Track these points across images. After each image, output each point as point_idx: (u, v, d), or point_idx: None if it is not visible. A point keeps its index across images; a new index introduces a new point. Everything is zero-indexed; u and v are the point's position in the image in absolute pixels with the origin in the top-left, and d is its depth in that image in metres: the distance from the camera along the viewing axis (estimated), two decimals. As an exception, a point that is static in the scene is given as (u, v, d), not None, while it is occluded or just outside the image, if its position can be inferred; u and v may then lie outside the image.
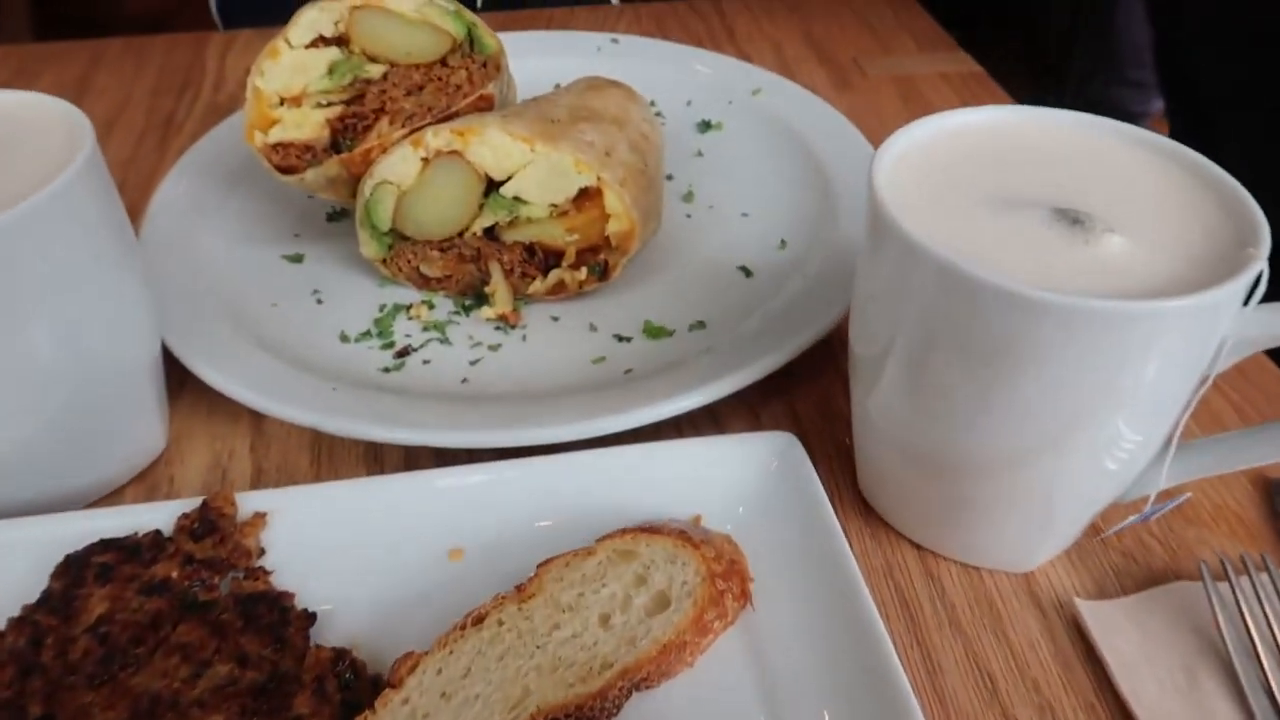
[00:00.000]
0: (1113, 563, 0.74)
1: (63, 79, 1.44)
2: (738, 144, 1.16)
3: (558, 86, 1.08)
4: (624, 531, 0.68)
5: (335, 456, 0.83)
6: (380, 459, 0.83)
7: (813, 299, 0.88)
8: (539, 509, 0.73)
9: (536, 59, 1.20)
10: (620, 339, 0.90)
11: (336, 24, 0.93)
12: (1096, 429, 0.61)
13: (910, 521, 0.75)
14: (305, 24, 0.92)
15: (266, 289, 0.95)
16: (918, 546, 0.75)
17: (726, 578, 0.66)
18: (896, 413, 0.69)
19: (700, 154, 1.15)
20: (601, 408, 0.78)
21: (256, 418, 0.86)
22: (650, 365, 0.86)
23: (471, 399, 0.83)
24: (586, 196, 0.89)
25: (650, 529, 0.68)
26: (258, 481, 0.82)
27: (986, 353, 0.59)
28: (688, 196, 1.08)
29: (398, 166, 0.88)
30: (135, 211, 0.89)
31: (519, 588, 0.65)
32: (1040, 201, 0.62)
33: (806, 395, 0.87)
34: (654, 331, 0.90)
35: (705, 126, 1.19)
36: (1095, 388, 0.58)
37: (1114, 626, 0.68)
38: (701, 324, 0.90)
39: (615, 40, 1.31)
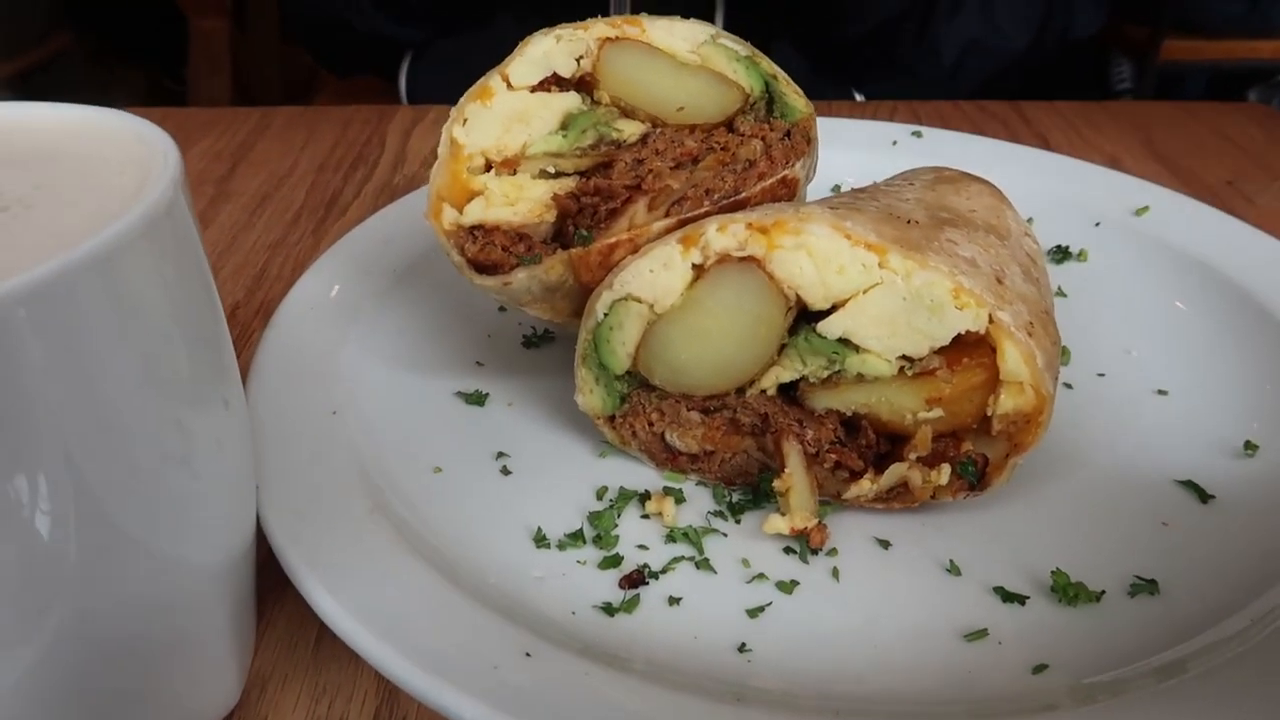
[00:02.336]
0: None
1: (218, 146, 1.21)
2: (1118, 282, 0.79)
3: (841, 189, 0.74)
4: None
5: (510, 761, 0.47)
6: (586, 779, 0.47)
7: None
8: None
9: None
10: (1007, 598, 0.52)
11: (579, 60, 0.62)
12: None
13: None
14: (535, 57, 0.62)
15: (430, 442, 0.62)
16: None
17: None
18: None
19: (1062, 293, 0.78)
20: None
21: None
22: (1072, 660, 0.48)
23: (759, 699, 0.46)
24: (963, 348, 0.53)
25: None
26: (376, 796, 0.46)
27: None
28: (1062, 356, 0.70)
29: (655, 276, 0.55)
30: (266, 311, 0.59)
31: None
32: None
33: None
34: (1069, 593, 0.51)
35: (1062, 255, 0.83)
36: None
37: None
38: (1150, 586, 0.52)
39: (918, 134, 0.97)
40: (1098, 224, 0.85)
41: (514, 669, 0.44)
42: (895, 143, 0.97)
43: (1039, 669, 0.48)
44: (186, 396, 0.42)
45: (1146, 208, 0.84)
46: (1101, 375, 0.69)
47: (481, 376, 0.70)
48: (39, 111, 0.46)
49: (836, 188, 0.92)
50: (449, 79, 1.61)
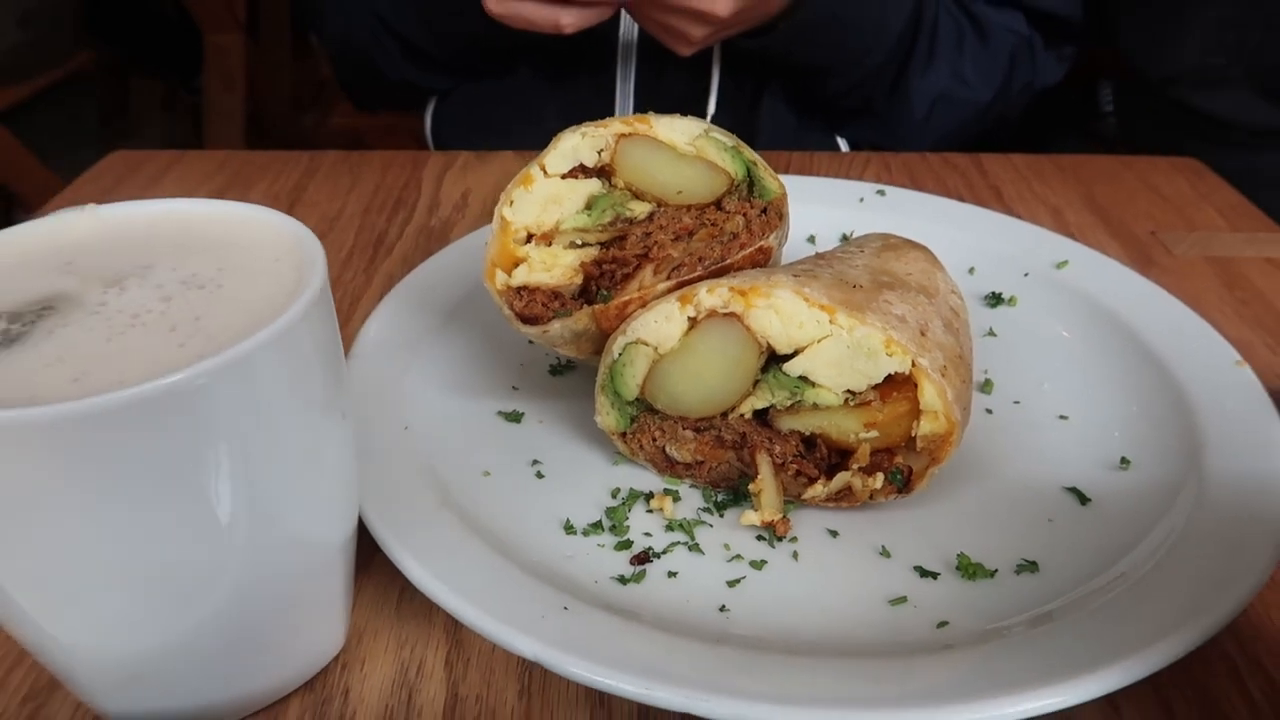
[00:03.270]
0: None
1: (276, 188, 1.37)
2: (1039, 325, 0.96)
3: (815, 239, 0.91)
4: None
5: (549, 690, 0.64)
6: (607, 703, 0.63)
7: (1195, 568, 0.65)
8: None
9: (791, 206, 1.04)
10: (924, 574, 0.69)
11: (600, 153, 0.79)
12: None
13: None
14: (565, 150, 0.78)
15: (480, 452, 0.79)
16: None
17: None
18: None
19: (992, 333, 0.95)
20: (928, 688, 0.57)
21: (454, 621, 0.68)
22: (970, 621, 0.65)
23: (736, 642, 0.62)
24: (893, 385, 0.70)
25: None
26: (451, 713, 0.63)
27: None
28: (985, 386, 0.87)
29: (659, 326, 0.72)
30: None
31: None
32: None
33: (1186, 692, 0.63)
34: (970, 570, 0.68)
35: (995, 300, 1.00)
36: None
37: None
38: (1032, 566, 0.69)
39: (881, 192, 1.14)
40: (1026, 274, 1.01)
41: (556, 618, 0.61)
42: (862, 200, 1.13)
43: (942, 624, 0.64)
44: (321, 412, 0.58)
45: (1066, 261, 1.01)
46: (1017, 403, 0.86)
47: (517, 399, 0.86)
48: (213, 206, 0.62)
49: (811, 238, 1.09)
50: (471, 121, 1.78)
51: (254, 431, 0.53)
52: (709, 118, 1.61)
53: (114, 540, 0.51)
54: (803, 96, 1.62)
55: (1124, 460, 0.78)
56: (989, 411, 0.85)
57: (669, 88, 1.62)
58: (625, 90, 1.64)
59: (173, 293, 0.56)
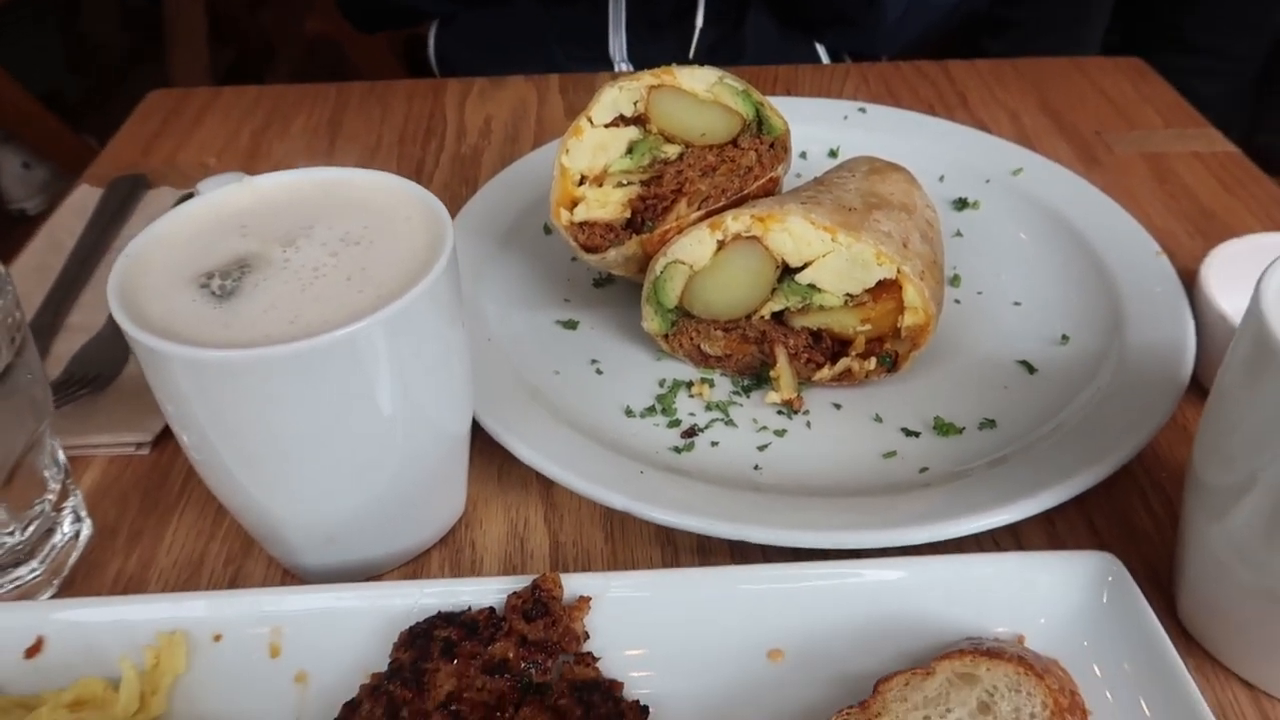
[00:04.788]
0: None
1: (314, 122, 1.51)
2: (998, 225, 1.14)
3: (806, 155, 1.08)
4: (962, 653, 0.67)
5: (629, 534, 0.85)
6: (673, 541, 0.84)
7: (1114, 416, 0.85)
8: (858, 615, 0.72)
9: (786, 127, 1.21)
10: (908, 433, 0.89)
11: (635, 104, 0.95)
12: None
13: (1244, 658, 0.72)
14: (607, 103, 0.94)
15: (547, 356, 0.97)
16: (1248, 685, 0.72)
17: (1071, 711, 0.65)
18: (1249, 544, 0.66)
19: (959, 234, 1.13)
20: (913, 514, 0.77)
21: (546, 488, 0.88)
22: (944, 465, 0.85)
23: (768, 490, 0.83)
24: (883, 288, 0.89)
25: (990, 652, 0.67)
26: (556, 554, 0.83)
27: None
28: (954, 280, 1.06)
29: (693, 248, 0.90)
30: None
31: (862, 705, 0.65)
32: None
33: (1103, 505, 0.85)
34: (944, 428, 0.89)
35: (961, 204, 1.18)
36: None
37: None
38: (991, 423, 0.89)
39: (863, 110, 1.31)
40: (988, 181, 1.19)
41: (635, 479, 0.81)
42: (846, 117, 1.30)
43: (923, 470, 0.85)
44: (452, 334, 0.76)
45: (1021, 169, 1.19)
46: (980, 293, 1.05)
47: (570, 309, 1.04)
48: (349, 174, 0.78)
49: (803, 154, 1.25)
50: (474, 48, 1.90)
51: (411, 353, 0.71)
52: (696, 32, 1.75)
53: (318, 436, 0.70)
54: (784, 8, 1.76)
55: (1064, 337, 0.98)
56: (957, 302, 1.04)
57: (659, 3, 1.75)
58: (618, 6, 1.76)
59: (336, 249, 0.73)
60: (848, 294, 0.89)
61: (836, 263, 0.88)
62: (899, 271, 0.87)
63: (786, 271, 0.90)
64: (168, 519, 0.88)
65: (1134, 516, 0.84)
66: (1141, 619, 0.69)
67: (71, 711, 0.64)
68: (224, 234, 0.75)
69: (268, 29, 3.85)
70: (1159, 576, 0.78)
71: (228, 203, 0.78)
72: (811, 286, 0.89)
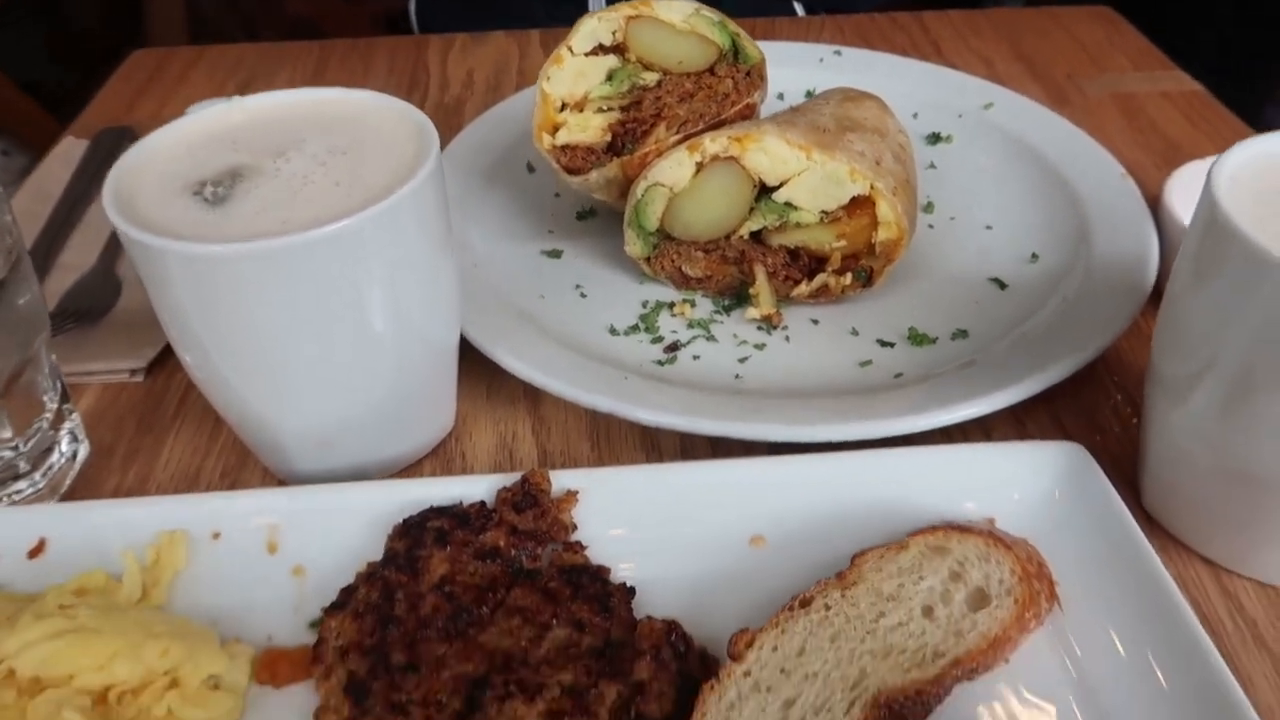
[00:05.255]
0: None
1: (297, 77, 1.53)
2: (970, 157, 1.17)
3: (783, 96, 1.11)
4: (934, 528, 0.70)
5: (614, 442, 0.87)
6: (657, 447, 0.87)
7: (1079, 321, 0.88)
8: (836, 503, 0.75)
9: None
10: (883, 344, 0.92)
11: (614, 34, 0.97)
12: None
13: (1205, 537, 0.75)
14: (586, 33, 0.97)
15: (533, 282, 1.00)
16: (1209, 563, 0.75)
17: (1038, 579, 0.68)
18: (1207, 427, 0.69)
19: (933, 166, 1.16)
20: (887, 409, 0.80)
21: (534, 403, 0.91)
22: (918, 371, 0.88)
23: (749, 395, 0.86)
24: (857, 204, 0.91)
25: (961, 528, 0.70)
26: (544, 463, 0.86)
27: (1339, 369, 0.59)
28: (928, 208, 1.09)
29: (672, 170, 0.92)
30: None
31: (839, 575, 0.68)
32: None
33: (1070, 405, 0.88)
34: (918, 339, 0.91)
35: (935, 139, 1.21)
36: None
37: None
38: (964, 333, 0.92)
39: (838, 52, 1.33)
40: (960, 115, 1.22)
41: (620, 384, 0.83)
42: (821, 60, 1.32)
43: (897, 375, 0.88)
44: (439, 246, 0.78)
45: (992, 103, 1.22)
46: (953, 219, 1.08)
47: (554, 240, 1.07)
48: (337, 93, 0.80)
49: (780, 95, 1.28)
50: (455, 13, 1.91)
51: (399, 254, 0.73)
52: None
53: (310, 336, 0.72)
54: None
55: (1034, 255, 1.01)
56: (931, 226, 1.07)
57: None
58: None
59: (325, 159, 0.75)
60: (823, 211, 0.92)
61: (812, 180, 0.90)
62: (872, 187, 0.90)
63: (763, 191, 0.93)
64: (163, 438, 0.90)
65: (1100, 416, 0.87)
66: (1107, 501, 0.72)
67: (76, 597, 0.66)
68: (216, 147, 0.77)
69: (249, 12, 3.85)
70: (1124, 470, 0.81)
71: (219, 119, 0.80)
72: (788, 204, 0.92)
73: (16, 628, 0.61)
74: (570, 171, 0.95)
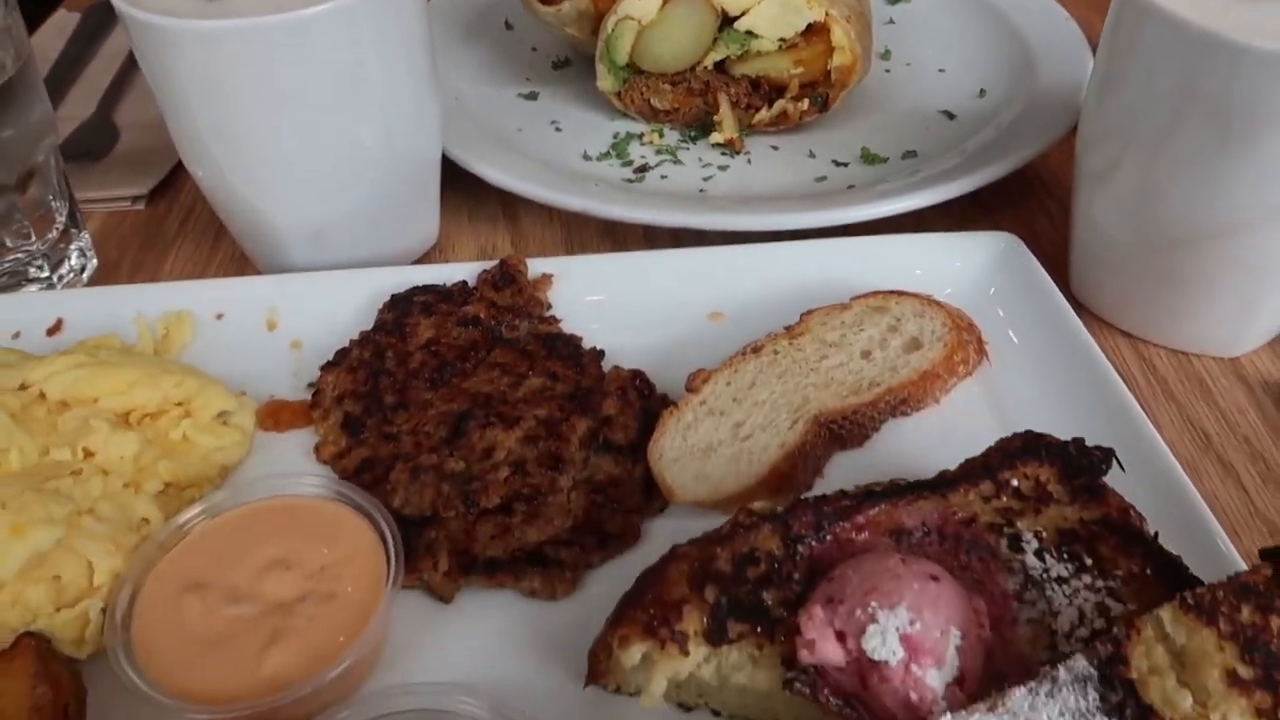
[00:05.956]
0: (1314, 355, 0.81)
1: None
2: (928, 13, 1.23)
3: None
4: (875, 293, 0.77)
5: (583, 244, 0.94)
6: (622, 238, 0.93)
7: (1018, 137, 0.95)
8: (788, 285, 0.82)
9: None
10: (838, 164, 0.98)
11: (584, -126, 1.02)
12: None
13: (1125, 312, 0.82)
14: (558, -126, 1.02)
15: (510, 119, 1.06)
16: (1128, 335, 0.83)
17: (969, 331, 0.75)
18: (1128, 202, 0.76)
19: (892, 21, 1.22)
20: (836, 203, 0.87)
21: (513, 220, 0.97)
22: (867, 182, 0.95)
23: (712, 200, 0.92)
24: (813, 32, 0.97)
25: (900, 292, 0.77)
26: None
27: (1232, 119, 0.66)
28: (885, 55, 1.15)
29: (641, 4, 0.98)
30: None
31: (788, 328, 0.75)
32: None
33: (1009, 215, 0.95)
34: (870, 158, 0.98)
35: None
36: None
37: (1320, 397, 0.75)
38: (913, 154, 0.99)
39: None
40: (919, -25, 1.28)
41: (592, 189, 0.90)
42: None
43: (850, 187, 0.95)
44: (422, 52, 0.83)
45: (949, -37, 1.27)
46: (908, 65, 1.14)
47: (530, 85, 1.12)
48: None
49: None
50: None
51: (383, 53, 0.79)
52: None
53: (306, 132, 0.78)
54: None
55: (982, 91, 1.07)
56: (887, 71, 1.13)
57: None
58: None
59: (313, -35, 0.80)
60: (781, 39, 0.98)
61: (770, 9, 0.96)
62: (827, 14, 0.96)
63: (726, 22, 0.98)
64: (165, 255, 0.96)
65: (1036, 224, 0.95)
66: (1038, 282, 0.80)
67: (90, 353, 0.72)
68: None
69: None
70: (1056, 267, 0.88)
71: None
72: (749, 33, 0.98)
73: (43, 360, 0.67)
74: (545, 1, 1.00)
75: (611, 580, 0.61)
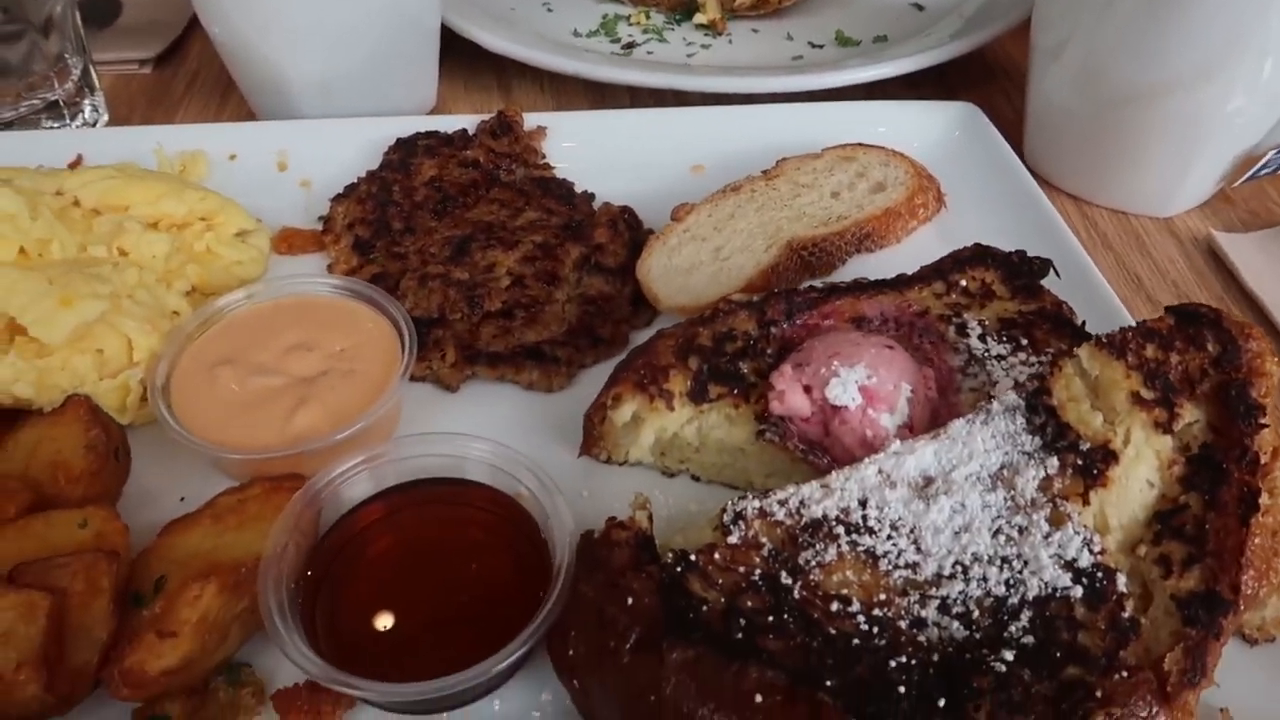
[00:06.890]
0: (1240, 216, 0.88)
1: None
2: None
3: None
4: (845, 145, 0.84)
5: (570, 103, 1.00)
6: (607, 97, 0.99)
7: (977, 26, 1.02)
8: (765, 143, 0.88)
9: None
10: (814, 46, 1.05)
11: None
12: (1243, 65, 0.75)
13: (1071, 174, 0.90)
14: None
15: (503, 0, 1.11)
16: (1074, 198, 0.90)
17: (929, 180, 0.82)
18: (1073, 72, 0.83)
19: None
20: (808, 71, 0.94)
21: (505, 89, 1.03)
22: (841, 61, 1.01)
23: (697, 68, 0.99)
24: (793, -80, 1.03)
25: (866, 145, 0.84)
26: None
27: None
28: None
29: (632, -114, 1.03)
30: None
31: (764, 172, 0.82)
32: None
33: (972, 95, 1.01)
34: (844, 40, 1.05)
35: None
36: (1251, 16, 0.73)
37: (1242, 249, 0.83)
38: (884, 38, 1.05)
39: None
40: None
41: (578, 54, 0.96)
42: None
43: (818, 46, 1.01)
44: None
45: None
46: None
47: (523, -26, 1.18)
48: None
49: None
50: None
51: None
52: None
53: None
54: None
55: None
56: None
57: None
58: None
59: None
60: (765, -76, 1.03)
61: (758, -100, 1.02)
62: (807, -98, 1.01)
63: (712, -88, 1.04)
64: (174, 112, 1.00)
65: (994, 102, 1.01)
66: (993, 144, 0.87)
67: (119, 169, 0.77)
68: None
69: None
70: (1012, 142, 0.95)
71: None
72: (734, -82, 1.03)
73: (77, 171, 0.72)
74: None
75: (601, 381, 0.68)
